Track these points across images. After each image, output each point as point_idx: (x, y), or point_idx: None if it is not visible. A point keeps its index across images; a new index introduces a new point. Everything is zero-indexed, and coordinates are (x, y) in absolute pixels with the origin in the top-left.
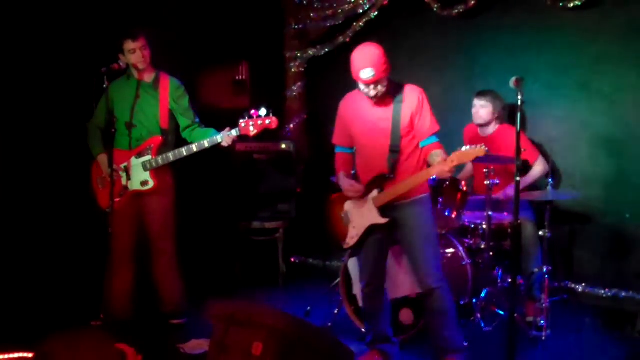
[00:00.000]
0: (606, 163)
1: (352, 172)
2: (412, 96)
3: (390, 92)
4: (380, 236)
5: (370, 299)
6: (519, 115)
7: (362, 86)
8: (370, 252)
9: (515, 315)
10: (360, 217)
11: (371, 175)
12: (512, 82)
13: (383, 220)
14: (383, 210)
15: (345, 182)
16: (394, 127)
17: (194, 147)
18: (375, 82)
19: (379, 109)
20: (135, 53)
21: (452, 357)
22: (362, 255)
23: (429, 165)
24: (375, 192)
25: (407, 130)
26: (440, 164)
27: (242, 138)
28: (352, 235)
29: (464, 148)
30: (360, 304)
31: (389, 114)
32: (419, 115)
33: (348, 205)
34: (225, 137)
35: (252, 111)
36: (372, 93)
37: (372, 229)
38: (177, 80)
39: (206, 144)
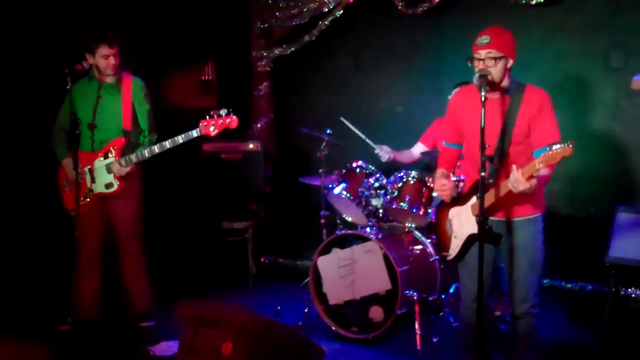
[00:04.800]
0: (570, 158)
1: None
2: (533, 98)
3: (509, 91)
4: (486, 246)
5: (474, 314)
6: (483, 111)
7: (475, 62)
8: (475, 265)
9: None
10: (460, 226)
11: (473, 180)
12: (475, 78)
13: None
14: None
15: (437, 182)
16: (504, 129)
17: (156, 148)
18: (486, 52)
19: (491, 106)
20: (107, 59)
21: None
22: (467, 267)
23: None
24: (473, 199)
25: (521, 135)
26: (528, 167)
27: (208, 138)
28: (454, 246)
29: (552, 147)
30: (454, 318)
31: (500, 114)
32: (538, 121)
33: (452, 213)
34: (182, 139)
35: (212, 111)
36: (481, 65)
37: (472, 239)
38: (140, 80)
39: (167, 144)
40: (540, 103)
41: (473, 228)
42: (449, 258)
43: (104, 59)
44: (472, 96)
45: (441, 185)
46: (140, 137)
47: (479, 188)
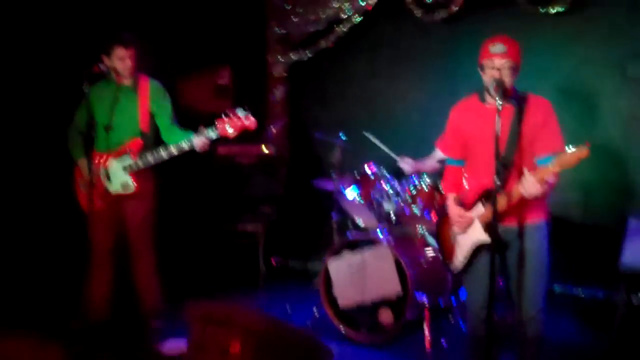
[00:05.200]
0: (586, 166)
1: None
2: (537, 107)
3: (512, 101)
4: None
5: (484, 323)
6: (498, 119)
7: (487, 70)
8: (483, 273)
9: (499, 316)
10: (466, 235)
11: (479, 189)
12: (492, 88)
13: (489, 238)
14: (490, 228)
15: (453, 210)
16: (509, 139)
17: (173, 149)
18: (504, 62)
19: (494, 117)
20: (124, 61)
21: None
22: (474, 276)
23: None
24: (481, 208)
25: (525, 144)
26: (541, 171)
27: (224, 140)
28: (459, 256)
29: (567, 150)
30: (465, 326)
31: (507, 123)
32: (542, 130)
33: None
34: (200, 139)
35: (229, 111)
36: (496, 75)
37: (479, 249)
38: (157, 82)
39: (185, 146)
40: (544, 112)
41: (480, 237)
42: (454, 268)
43: (120, 60)
44: (473, 106)
45: (459, 216)
46: (165, 135)
47: (493, 196)
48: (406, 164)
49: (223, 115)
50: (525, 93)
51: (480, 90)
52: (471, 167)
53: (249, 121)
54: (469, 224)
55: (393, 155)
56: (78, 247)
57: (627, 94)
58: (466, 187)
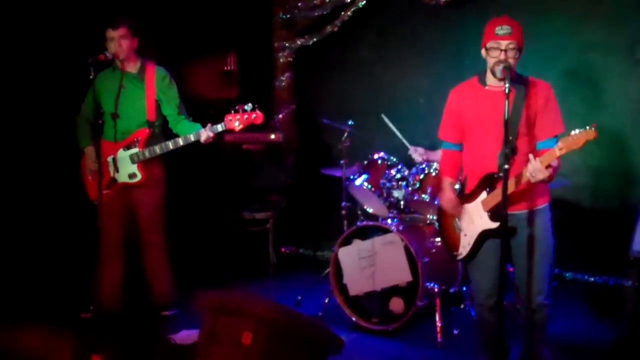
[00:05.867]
0: (595, 151)
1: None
2: (538, 90)
3: (514, 84)
4: (497, 242)
5: (491, 312)
6: (507, 104)
7: (492, 52)
8: (488, 262)
9: (505, 302)
10: (470, 223)
11: (480, 175)
12: (499, 71)
13: (494, 225)
14: (495, 214)
15: (445, 195)
16: (510, 123)
17: (180, 141)
18: (509, 43)
19: (495, 101)
20: (113, 42)
21: None
22: (479, 265)
23: None
24: (484, 194)
25: (527, 128)
26: (546, 155)
27: (230, 130)
28: (464, 244)
29: (572, 132)
30: (475, 312)
31: (508, 106)
32: (542, 113)
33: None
34: (207, 133)
35: (238, 106)
36: (502, 56)
37: (485, 236)
38: (164, 69)
39: (192, 137)
40: (545, 95)
41: (485, 224)
42: (460, 258)
43: (111, 41)
44: (473, 90)
45: (449, 201)
46: (172, 123)
47: (503, 181)
48: (417, 154)
49: (232, 111)
50: (525, 76)
51: (481, 73)
52: (470, 151)
53: (256, 115)
54: (456, 213)
55: (406, 142)
56: (89, 237)
57: (636, 78)
58: (466, 178)
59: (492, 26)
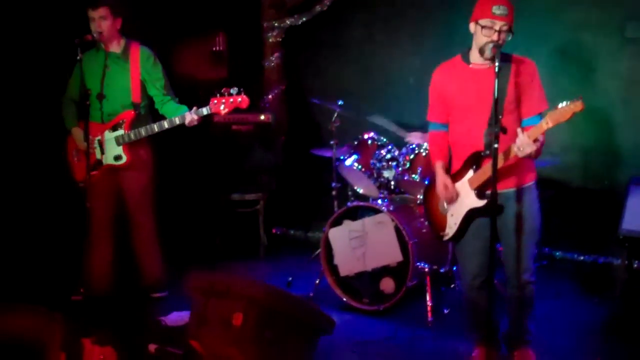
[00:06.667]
0: (585, 130)
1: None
2: (521, 68)
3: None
4: (483, 222)
5: (479, 292)
6: (496, 82)
7: (485, 31)
8: (474, 241)
9: (495, 281)
10: (458, 202)
11: (466, 154)
12: (489, 49)
13: (481, 203)
14: (482, 192)
15: (440, 180)
16: (495, 101)
17: (166, 124)
18: (504, 24)
19: (480, 79)
20: (93, 22)
21: (527, 348)
22: (465, 245)
23: None
24: (470, 173)
25: (512, 105)
26: (533, 130)
27: (215, 114)
28: (451, 224)
29: (559, 105)
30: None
31: (492, 85)
32: (527, 90)
33: None
34: (192, 116)
35: (223, 89)
36: (495, 37)
37: (472, 215)
38: (148, 49)
39: (177, 120)
40: (530, 72)
41: (472, 202)
42: (447, 238)
43: (92, 22)
44: (457, 69)
45: (444, 186)
46: (158, 104)
47: (492, 160)
48: (415, 138)
49: (217, 94)
50: (509, 54)
51: (464, 51)
52: (455, 131)
53: (242, 99)
54: (453, 197)
55: (401, 134)
56: (78, 219)
57: (626, 57)
58: (452, 156)
59: (489, 4)
